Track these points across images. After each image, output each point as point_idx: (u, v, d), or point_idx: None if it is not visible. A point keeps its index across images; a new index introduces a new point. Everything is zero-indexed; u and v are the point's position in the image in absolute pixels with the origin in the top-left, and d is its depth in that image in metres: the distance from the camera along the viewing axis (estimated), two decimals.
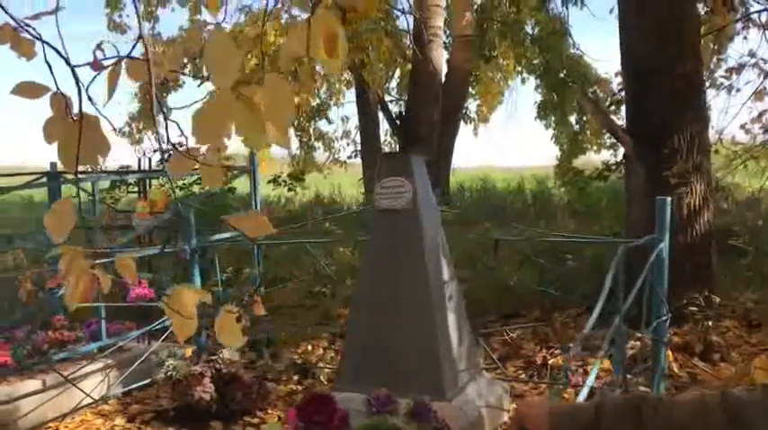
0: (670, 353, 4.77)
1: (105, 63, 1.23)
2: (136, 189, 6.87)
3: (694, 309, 5.13)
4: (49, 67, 1.23)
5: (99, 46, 1.23)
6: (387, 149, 13.93)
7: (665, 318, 3.58)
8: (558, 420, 1.21)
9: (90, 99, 1.20)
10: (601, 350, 2.23)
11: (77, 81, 1.19)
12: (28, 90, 1.25)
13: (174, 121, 1.25)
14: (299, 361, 5.25)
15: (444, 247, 3.62)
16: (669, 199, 3.77)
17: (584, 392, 1.68)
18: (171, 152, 1.24)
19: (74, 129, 1.19)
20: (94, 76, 1.21)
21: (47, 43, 1.23)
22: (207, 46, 1.14)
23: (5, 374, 4.19)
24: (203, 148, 1.24)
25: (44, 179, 5.88)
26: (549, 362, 5.12)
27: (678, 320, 5.17)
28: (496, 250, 5.82)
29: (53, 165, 5.78)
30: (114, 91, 1.24)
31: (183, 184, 9.69)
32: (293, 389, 4.85)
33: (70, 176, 5.72)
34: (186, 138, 1.21)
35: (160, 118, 1.25)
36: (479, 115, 15.52)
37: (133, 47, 1.11)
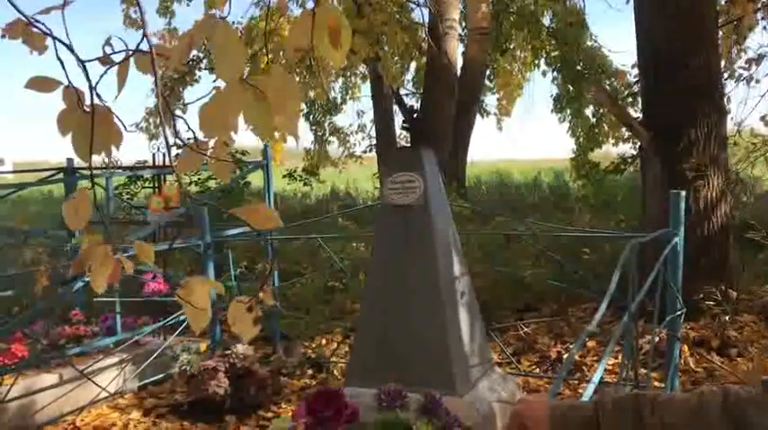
0: (686, 348, 4.73)
1: (115, 58, 1.24)
2: (151, 184, 6.91)
3: (711, 303, 5.08)
4: (60, 61, 1.24)
5: (108, 41, 1.24)
6: (402, 143, 13.91)
7: (679, 312, 3.53)
8: (559, 419, 1.20)
9: (98, 95, 1.20)
10: (609, 345, 2.21)
11: (87, 75, 1.20)
12: (40, 84, 1.27)
13: (181, 117, 1.25)
14: (313, 355, 5.27)
15: (456, 243, 3.60)
16: (684, 192, 3.72)
17: (591, 389, 1.67)
18: (177, 147, 1.25)
19: (86, 121, 1.20)
20: (104, 71, 1.22)
21: (57, 39, 1.24)
22: (213, 39, 1.14)
23: (23, 368, 4.24)
24: (212, 142, 1.25)
25: (60, 175, 5.94)
26: (564, 357, 5.09)
27: (695, 315, 5.12)
28: (507, 245, 5.78)
29: (70, 161, 5.84)
30: (124, 85, 1.25)
31: (199, 179, 9.75)
32: (307, 384, 4.88)
33: (86, 172, 5.78)
34: (194, 133, 1.22)
35: (169, 114, 1.26)
36: (500, 109, 15.41)
37: (140, 41, 1.11)
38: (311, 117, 15.04)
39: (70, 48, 1.16)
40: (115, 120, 1.29)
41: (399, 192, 3.39)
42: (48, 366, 4.44)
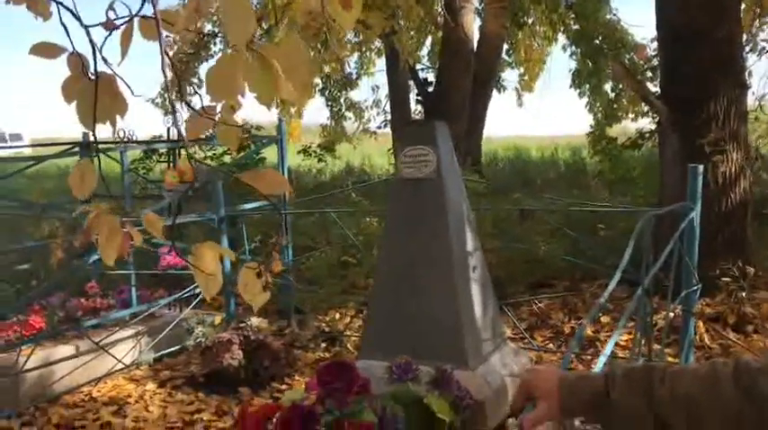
0: (701, 324, 4.69)
1: (118, 23, 1.23)
2: (166, 159, 6.92)
3: (728, 279, 5.03)
4: (64, 27, 1.23)
5: (111, 6, 1.22)
6: (417, 118, 13.83)
7: (694, 288, 3.50)
8: (567, 389, 1.18)
9: (104, 59, 1.19)
10: (622, 320, 2.19)
11: (91, 41, 1.19)
12: (45, 50, 1.26)
13: (185, 81, 1.24)
14: (327, 329, 5.29)
15: (469, 217, 3.58)
16: (701, 166, 3.67)
17: (602, 362, 1.65)
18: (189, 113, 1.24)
19: (91, 89, 1.20)
20: (106, 36, 1.21)
21: (61, 3, 1.23)
22: (222, 4, 1.12)
23: (41, 340, 4.30)
24: (219, 107, 1.24)
25: (77, 149, 5.96)
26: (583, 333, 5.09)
27: (711, 291, 5.08)
28: (522, 220, 5.75)
29: (85, 135, 5.86)
30: (127, 51, 1.24)
31: (214, 154, 9.77)
32: (321, 357, 4.90)
33: (102, 146, 5.80)
34: (201, 96, 1.20)
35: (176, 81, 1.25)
36: (523, 84, 15.23)
37: (142, 5, 1.09)
38: (327, 92, 14.96)
39: (73, 12, 1.15)
40: (121, 89, 1.28)
41: (412, 165, 3.37)
42: (64, 338, 4.50)
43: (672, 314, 3.69)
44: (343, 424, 2.55)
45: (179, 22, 1.15)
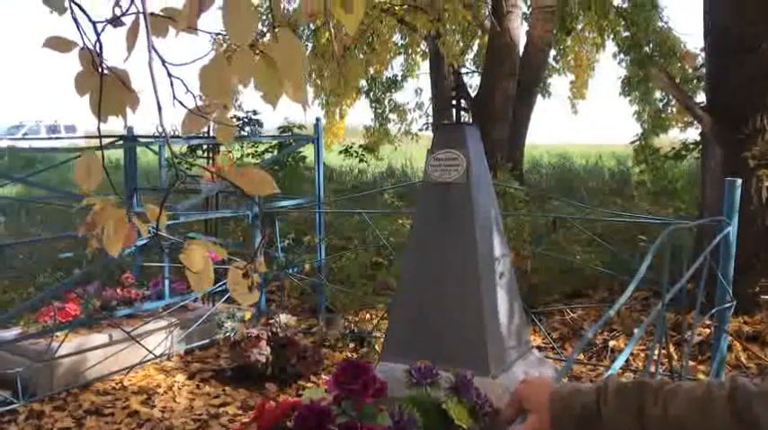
0: (738, 343, 4.57)
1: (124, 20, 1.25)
2: (205, 155, 7.04)
3: (767, 297, 4.88)
4: (76, 22, 1.26)
5: (117, 2, 1.25)
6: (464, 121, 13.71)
7: (728, 305, 3.40)
8: (559, 403, 1.17)
9: (99, 55, 1.22)
10: (637, 332, 2.14)
11: (98, 36, 1.22)
12: (57, 44, 1.30)
13: (178, 78, 1.25)
14: (355, 329, 5.31)
15: (498, 223, 3.55)
16: (739, 181, 3.56)
17: (609, 373, 1.62)
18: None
19: (104, 82, 1.22)
20: (101, 30, 1.23)
21: (73, 0, 1.26)
22: (225, 1, 1.13)
23: (75, 326, 4.42)
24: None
25: (120, 142, 6.11)
26: (610, 344, 5.00)
27: (750, 309, 4.94)
28: (555, 229, 5.68)
29: (130, 129, 6.00)
30: (134, 47, 1.26)
31: (255, 151, 9.90)
32: (348, 357, 4.92)
33: (144, 140, 5.93)
34: (194, 95, 1.22)
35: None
36: (574, 91, 15.02)
37: (131, 3, 1.11)
38: (371, 94, 15.01)
39: (81, 8, 1.18)
40: (133, 83, 1.31)
41: (441, 169, 3.36)
42: (99, 326, 4.62)
43: (703, 330, 3.59)
44: (356, 426, 2.55)
45: (182, 19, 1.16)
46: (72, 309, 4.53)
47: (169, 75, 1.07)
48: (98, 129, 1.22)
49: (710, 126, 5.24)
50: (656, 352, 2.32)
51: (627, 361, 4.66)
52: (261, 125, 9.77)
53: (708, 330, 4.62)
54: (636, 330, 5.01)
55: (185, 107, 1.09)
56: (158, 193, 5.77)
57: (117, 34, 1.25)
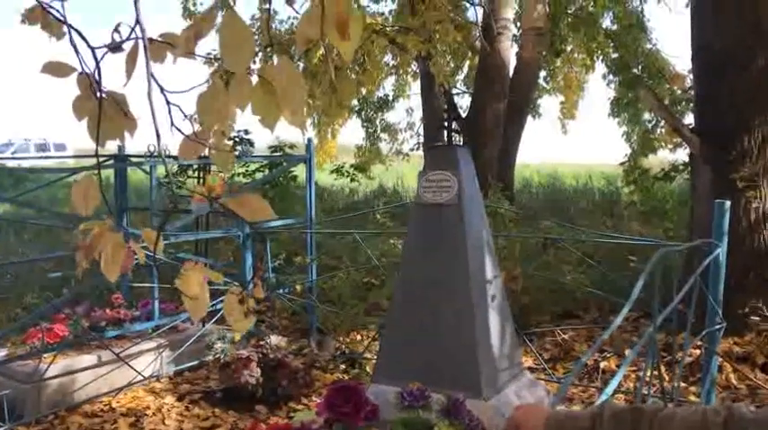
0: (728, 364, 4.57)
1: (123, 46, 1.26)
2: (196, 174, 7.04)
3: (757, 319, 4.90)
4: (74, 47, 1.27)
5: (116, 28, 1.26)
6: (454, 142, 13.78)
7: (718, 326, 3.41)
8: (554, 428, 1.16)
9: (97, 82, 1.22)
10: (630, 354, 2.14)
11: (97, 62, 1.23)
12: (55, 69, 1.30)
13: (176, 105, 1.26)
14: (346, 350, 5.28)
15: (490, 245, 3.55)
16: (728, 202, 3.59)
17: (600, 400, 1.62)
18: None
19: (102, 107, 1.23)
20: (102, 56, 1.24)
21: (71, 26, 1.26)
22: (221, 29, 1.14)
23: (63, 348, 4.37)
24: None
25: (111, 161, 6.09)
26: (602, 365, 4.99)
27: (740, 330, 4.95)
28: (545, 250, 5.69)
29: (120, 148, 5.99)
30: (133, 72, 1.27)
31: (246, 171, 9.89)
32: (339, 378, 4.89)
33: (135, 159, 5.92)
34: (191, 121, 1.23)
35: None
36: (564, 112, 15.14)
37: (132, 30, 1.12)
38: (363, 113, 15.08)
39: (80, 34, 1.18)
40: (131, 107, 1.32)
41: (433, 190, 3.37)
42: (87, 347, 4.57)
43: (693, 351, 3.60)
44: None
45: (179, 46, 1.17)
46: (60, 329, 4.48)
47: (167, 102, 1.07)
48: (96, 153, 1.22)
49: (699, 147, 5.29)
50: (648, 373, 2.31)
51: (618, 382, 4.65)
52: (252, 145, 9.79)
53: (698, 351, 4.62)
54: (628, 351, 5.03)
55: (182, 133, 1.09)
56: (148, 213, 5.74)
57: (115, 57, 1.26)
